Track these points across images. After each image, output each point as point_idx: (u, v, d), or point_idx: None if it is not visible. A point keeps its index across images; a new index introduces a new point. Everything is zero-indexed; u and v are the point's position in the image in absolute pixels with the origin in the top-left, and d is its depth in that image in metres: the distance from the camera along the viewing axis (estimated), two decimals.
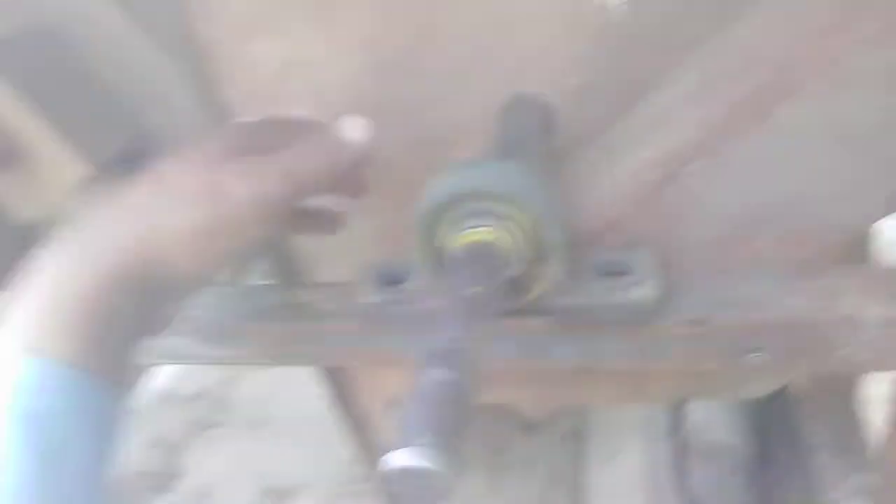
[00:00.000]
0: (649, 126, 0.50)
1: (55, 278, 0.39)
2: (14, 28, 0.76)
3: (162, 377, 2.31)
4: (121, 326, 0.40)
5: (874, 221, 0.44)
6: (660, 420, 1.03)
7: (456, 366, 0.32)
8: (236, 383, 2.27)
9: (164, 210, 0.42)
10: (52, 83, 0.77)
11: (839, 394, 0.78)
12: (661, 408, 1.04)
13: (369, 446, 0.88)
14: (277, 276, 0.71)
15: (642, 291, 0.44)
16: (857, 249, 0.60)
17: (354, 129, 0.48)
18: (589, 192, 0.50)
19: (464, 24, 0.56)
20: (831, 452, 0.79)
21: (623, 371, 0.61)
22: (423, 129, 0.62)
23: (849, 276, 0.44)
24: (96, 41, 0.78)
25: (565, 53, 0.55)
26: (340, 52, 0.60)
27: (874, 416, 0.74)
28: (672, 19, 0.52)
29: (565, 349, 0.49)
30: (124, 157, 0.81)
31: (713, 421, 0.96)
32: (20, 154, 0.75)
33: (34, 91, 0.74)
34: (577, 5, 0.53)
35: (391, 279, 0.52)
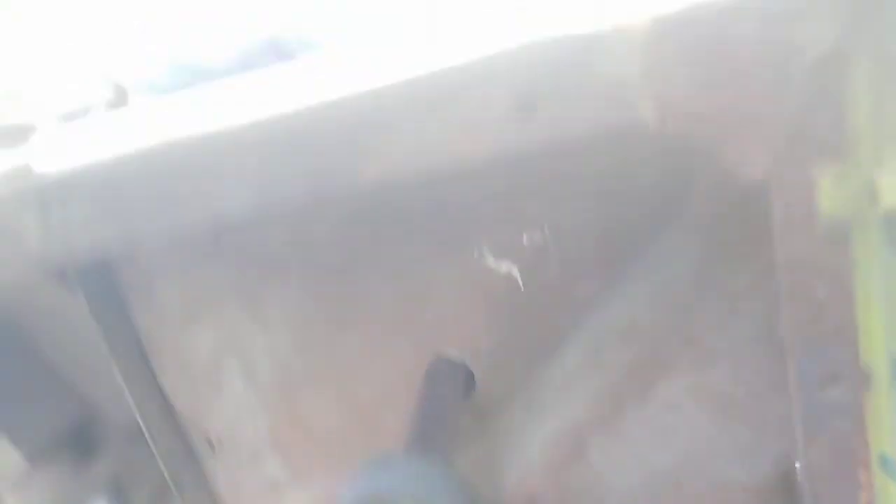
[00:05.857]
0: (555, 390, 0.52)
1: None
2: None
3: None
4: None
5: (772, 479, 0.45)
6: None
7: None
8: None
9: None
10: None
11: None
12: None
13: None
14: None
15: None
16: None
17: None
18: (507, 463, 0.52)
19: (381, 297, 0.60)
20: None
21: None
22: (351, 396, 0.64)
23: None
24: (50, 330, 0.82)
25: (476, 318, 0.59)
26: (269, 332, 0.63)
27: None
28: (562, 282, 0.56)
29: None
30: (67, 441, 0.82)
31: None
32: None
33: None
34: (482, 275, 0.57)
35: None
